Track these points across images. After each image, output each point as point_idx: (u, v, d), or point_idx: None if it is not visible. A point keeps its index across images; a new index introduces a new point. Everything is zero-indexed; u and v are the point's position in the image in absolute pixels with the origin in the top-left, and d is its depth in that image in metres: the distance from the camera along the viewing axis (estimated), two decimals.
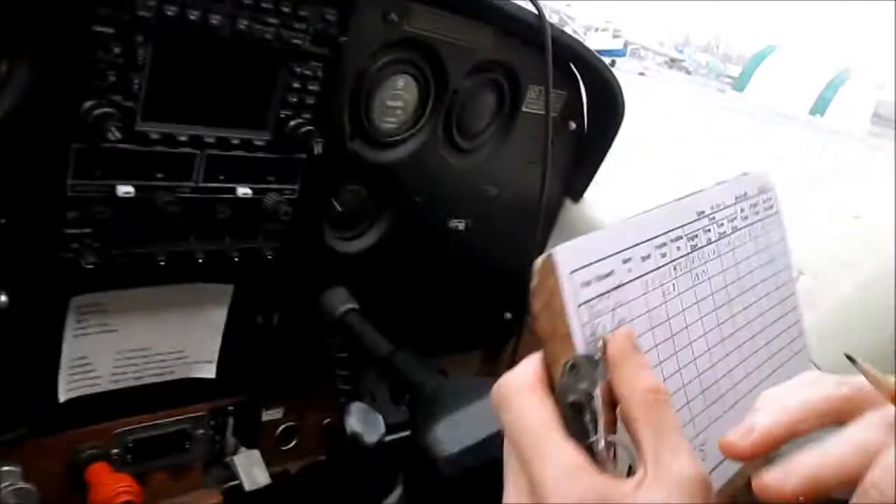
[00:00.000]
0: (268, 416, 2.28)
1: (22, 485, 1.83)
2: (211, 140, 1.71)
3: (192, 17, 1.56)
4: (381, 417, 1.45)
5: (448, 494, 1.52)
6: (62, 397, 1.87)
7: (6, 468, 1.84)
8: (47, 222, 1.60)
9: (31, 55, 1.45)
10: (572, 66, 2.35)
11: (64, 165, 1.56)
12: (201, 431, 2.15)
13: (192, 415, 2.13)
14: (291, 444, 2.41)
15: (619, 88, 2.41)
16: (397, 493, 1.58)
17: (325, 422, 2.45)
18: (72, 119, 1.51)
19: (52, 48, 1.46)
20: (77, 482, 1.95)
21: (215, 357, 2.05)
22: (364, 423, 1.45)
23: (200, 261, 1.81)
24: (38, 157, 1.53)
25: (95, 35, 1.48)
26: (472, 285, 2.49)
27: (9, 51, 1.44)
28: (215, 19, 1.60)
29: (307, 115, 1.81)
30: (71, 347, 1.83)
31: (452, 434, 1.50)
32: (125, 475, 1.93)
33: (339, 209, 2.07)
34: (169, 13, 1.53)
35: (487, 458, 1.52)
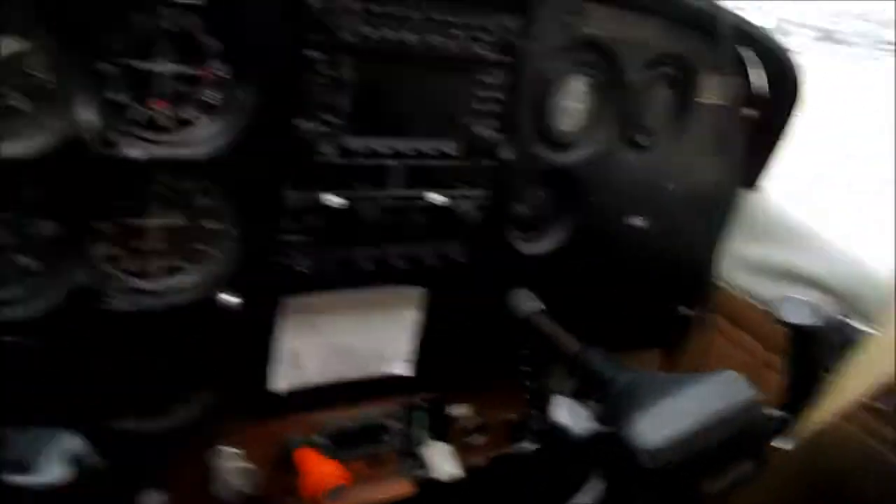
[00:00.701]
0: (456, 411, 2.38)
1: (244, 465, 2.05)
2: (407, 151, 1.83)
3: (389, 37, 1.69)
4: (587, 410, 1.49)
5: (650, 486, 1.54)
6: (276, 388, 2.06)
7: (231, 450, 2.05)
8: (268, 231, 1.77)
9: (256, 80, 1.62)
10: (746, 50, 2.29)
11: (282, 179, 1.72)
12: (396, 425, 2.29)
13: (388, 408, 2.27)
14: (478, 439, 2.50)
15: (798, 70, 2.32)
16: (594, 485, 1.61)
17: (509, 417, 2.53)
18: (289, 136, 1.67)
19: (272, 73, 1.62)
20: (286, 465, 2.13)
21: (410, 355, 2.17)
22: (572, 415, 1.49)
23: (398, 265, 1.94)
24: (261, 171, 1.70)
25: (307, 60, 1.63)
26: (649, 281, 2.48)
27: (239, 77, 1.62)
28: (409, 37, 1.71)
29: (493, 123, 1.89)
30: (284, 344, 2.01)
31: (654, 427, 1.52)
32: (334, 461, 2.08)
33: (524, 213, 2.14)
34: (370, 35, 1.66)
35: (690, 452, 1.53)
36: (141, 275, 1.71)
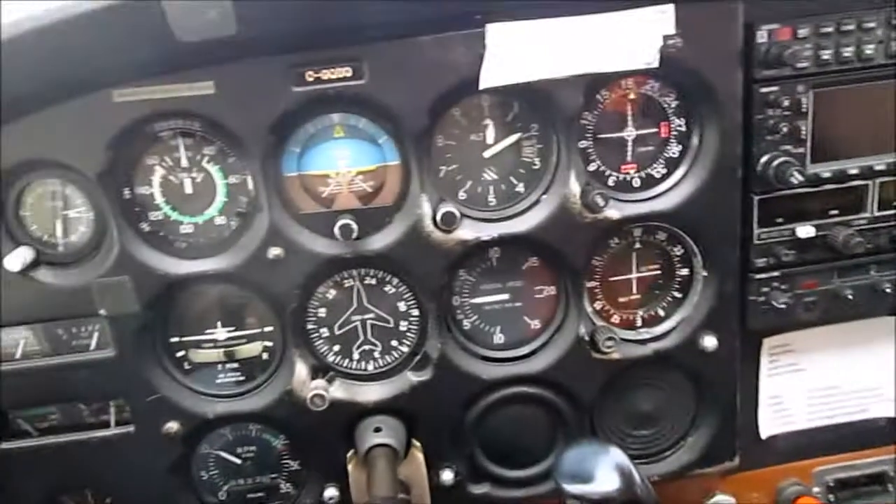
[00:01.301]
0: None
1: None
2: (881, 167, 1.72)
3: (846, 54, 1.64)
4: None
5: None
6: (763, 434, 2.01)
7: (720, 497, 2.04)
8: (740, 270, 1.79)
9: (713, 126, 1.68)
10: None
11: (749, 216, 1.75)
12: None
13: (886, 455, 2.06)
14: None
15: None
16: None
17: None
18: (751, 174, 1.71)
19: (728, 116, 1.66)
20: None
21: None
22: None
23: (887, 291, 1.80)
24: (727, 212, 1.74)
25: (763, 96, 1.66)
26: None
27: (696, 127, 1.71)
28: (869, 48, 1.64)
29: None
30: (766, 386, 1.97)
31: None
32: None
33: None
34: (825, 57, 1.64)
35: None
36: (626, 326, 1.87)
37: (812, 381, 2.00)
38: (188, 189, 1.65)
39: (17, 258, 1.59)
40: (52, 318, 1.69)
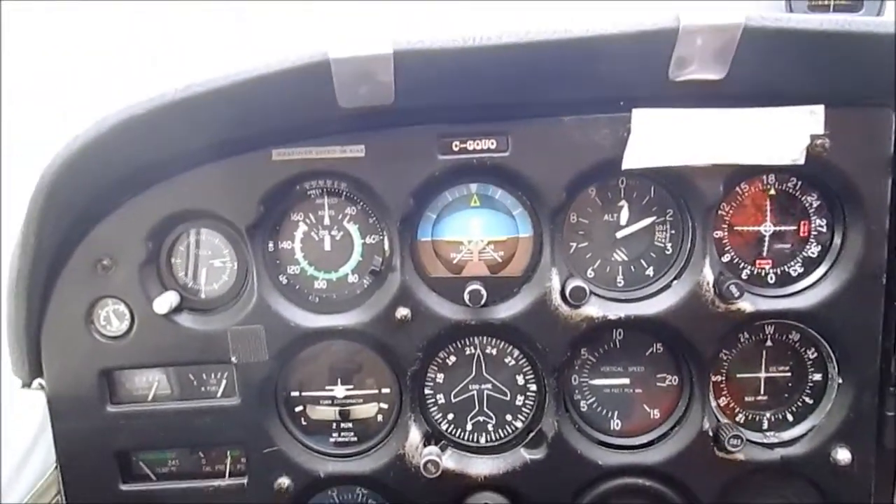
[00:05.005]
0: None
1: None
2: None
3: None
4: None
5: None
6: None
7: None
8: (877, 381, 1.70)
9: (855, 227, 1.64)
10: None
11: (891, 327, 1.66)
12: None
13: None
14: None
15: None
16: None
17: None
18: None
19: (867, 216, 1.62)
20: None
21: None
22: None
23: None
24: (868, 319, 1.67)
25: None
26: None
27: (838, 227, 1.67)
28: None
29: None
30: None
31: None
32: None
33: None
34: None
35: None
36: (752, 426, 1.78)
37: None
38: (327, 246, 1.73)
39: (165, 302, 1.68)
40: (186, 362, 1.76)
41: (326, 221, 1.72)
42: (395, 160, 1.61)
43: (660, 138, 1.55)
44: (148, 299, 1.68)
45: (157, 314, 1.68)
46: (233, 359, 1.71)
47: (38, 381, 1.71)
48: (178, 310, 1.73)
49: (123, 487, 1.81)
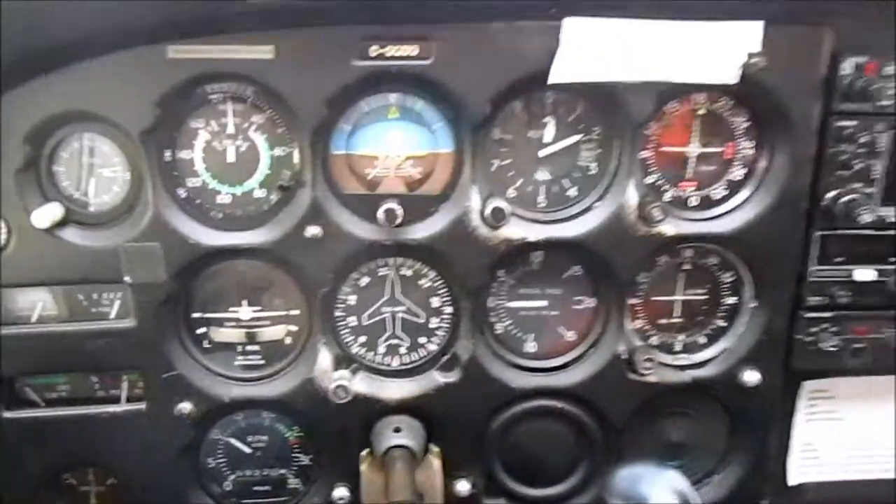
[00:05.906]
0: None
1: None
2: None
3: None
4: None
5: None
6: (791, 481, 1.92)
7: None
8: (790, 306, 1.72)
9: (783, 154, 1.62)
10: None
11: (807, 252, 1.67)
12: None
13: None
14: None
15: None
16: None
17: None
18: (816, 209, 1.63)
19: (800, 145, 1.60)
20: None
21: None
22: None
23: None
24: (785, 245, 1.67)
25: (839, 130, 1.59)
26: None
27: (765, 152, 1.64)
28: None
29: None
30: (800, 432, 1.89)
31: None
32: None
33: None
34: None
35: None
36: (665, 349, 1.79)
37: (848, 432, 1.92)
38: (231, 157, 1.59)
39: (46, 214, 1.52)
40: (74, 281, 1.61)
41: (230, 130, 1.57)
42: (307, 64, 1.47)
43: (591, 51, 1.45)
44: (26, 211, 1.51)
45: (38, 228, 1.52)
46: (126, 278, 1.58)
47: None
48: (62, 223, 1.57)
49: (6, 414, 1.68)
